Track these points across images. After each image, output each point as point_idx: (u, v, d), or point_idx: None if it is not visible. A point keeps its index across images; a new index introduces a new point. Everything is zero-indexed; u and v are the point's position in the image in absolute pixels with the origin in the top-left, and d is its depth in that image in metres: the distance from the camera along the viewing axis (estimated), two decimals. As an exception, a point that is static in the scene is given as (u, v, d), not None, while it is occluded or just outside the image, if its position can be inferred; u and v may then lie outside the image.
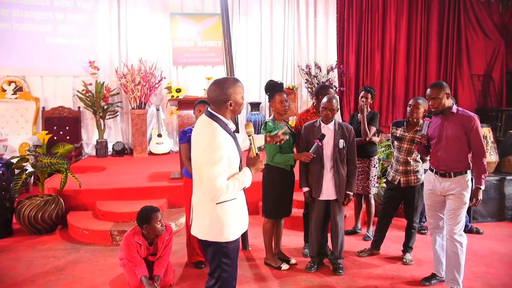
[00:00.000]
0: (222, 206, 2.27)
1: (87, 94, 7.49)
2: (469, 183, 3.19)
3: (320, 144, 3.47)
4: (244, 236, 4.20)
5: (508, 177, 5.10)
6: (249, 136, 2.38)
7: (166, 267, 3.42)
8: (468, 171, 3.19)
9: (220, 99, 2.26)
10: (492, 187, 5.06)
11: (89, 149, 7.96)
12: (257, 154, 2.37)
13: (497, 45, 8.73)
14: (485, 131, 5.05)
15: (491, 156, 5.09)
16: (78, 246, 4.37)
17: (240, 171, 2.34)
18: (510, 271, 3.72)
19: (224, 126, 2.27)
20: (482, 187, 3.15)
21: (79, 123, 7.80)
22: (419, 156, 3.76)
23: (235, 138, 2.33)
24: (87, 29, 7.87)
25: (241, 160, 2.40)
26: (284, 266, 3.77)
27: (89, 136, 8.01)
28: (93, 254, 4.15)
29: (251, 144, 2.38)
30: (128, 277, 3.32)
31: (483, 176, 3.13)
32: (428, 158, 3.51)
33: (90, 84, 7.57)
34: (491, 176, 5.11)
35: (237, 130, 3.82)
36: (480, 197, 3.16)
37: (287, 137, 3.11)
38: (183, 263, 3.90)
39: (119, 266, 3.54)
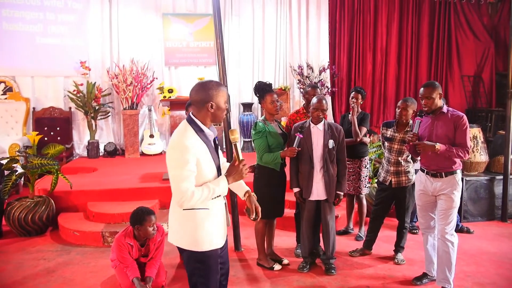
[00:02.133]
0: (191, 214, 2.18)
1: (78, 95, 7.43)
2: (460, 182, 3.22)
3: (301, 136, 3.49)
4: (236, 236, 4.20)
5: (497, 177, 5.16)
6: (233, 142, 2.27)
7: (158, 269, 3.41)
8: (458, 171, 3.23)
9: (201, 99, 2.17)
10: (482, 187, 5.11)
11: (80, 150, 7.89)
12: (240, 161, 2.21)
13: (487, 47, 8.80)
14: (475, 132, 5.11)
15: (481, 156, 5.14)
16: (69, 248, 4.33)
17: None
18: (500, 270, 3.76)
19: (199, 131, 2.18)
20: (438, 147, 3.09)
21: (70, 124, 7.72)
22: (410, 156, 3.79)
23: (211, 145, 2.22)
24: (78, 29, 7.79)
25: (219, 169, 2.28)
26: (277, 267, 3.78)
27: (81, 137, 7.94)
28: (84, 255, 4.12)
29: (234, 151, 2.23)
30: (120, 279, 3.30)
31: (451, 149, 3.10)
32: (418, 158, 3.54)
33: (82, 85, 7.51)
34: (481, 175, 5.17)
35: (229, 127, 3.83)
36: (429, 146, 3.11)
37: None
38: (175, 264, 3.88)
39: (110, 267, 3.52)
